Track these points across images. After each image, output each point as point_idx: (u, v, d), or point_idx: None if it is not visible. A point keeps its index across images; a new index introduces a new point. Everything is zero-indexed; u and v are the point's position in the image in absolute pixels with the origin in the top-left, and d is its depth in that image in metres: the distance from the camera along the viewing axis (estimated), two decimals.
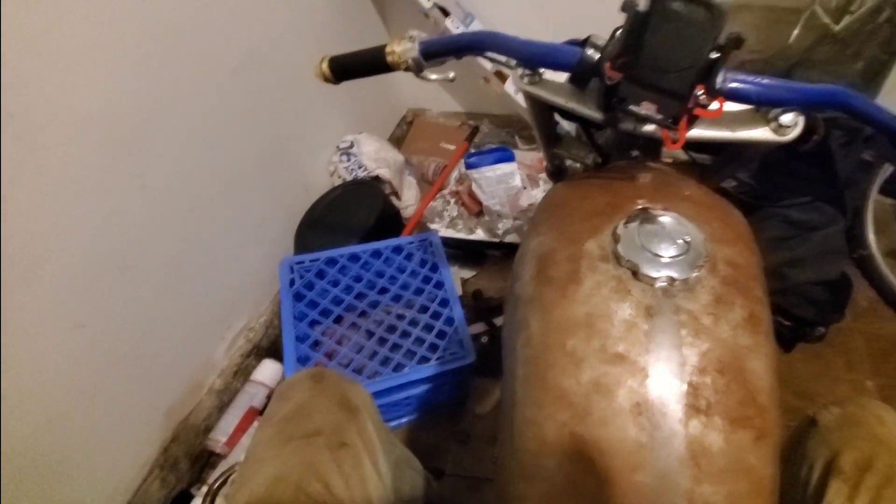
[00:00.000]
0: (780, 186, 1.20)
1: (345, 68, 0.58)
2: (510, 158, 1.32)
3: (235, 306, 1.09)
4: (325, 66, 0.57)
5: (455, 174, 1.45)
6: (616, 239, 0.40)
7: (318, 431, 0.45)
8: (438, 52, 0.53)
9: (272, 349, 1.15)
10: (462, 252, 1.31)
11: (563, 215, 0.46)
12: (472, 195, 1.33)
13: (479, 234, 1.30)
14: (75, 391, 0.76)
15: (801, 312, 1.07)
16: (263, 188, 1.12)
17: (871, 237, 1.16)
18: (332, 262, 1.08)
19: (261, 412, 1.04)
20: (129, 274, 0.82)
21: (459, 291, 1.21)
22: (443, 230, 1.30)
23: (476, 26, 1.42)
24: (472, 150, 1.48)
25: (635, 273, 0.38)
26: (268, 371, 1.08)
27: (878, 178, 1.17)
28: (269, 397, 1.06)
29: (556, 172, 0.71)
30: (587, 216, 0.43)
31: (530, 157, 1.43)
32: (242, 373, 1.09)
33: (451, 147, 1.56)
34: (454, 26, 1.33)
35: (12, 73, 0.62)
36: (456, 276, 1.26)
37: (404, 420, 1.04)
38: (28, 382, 0.69)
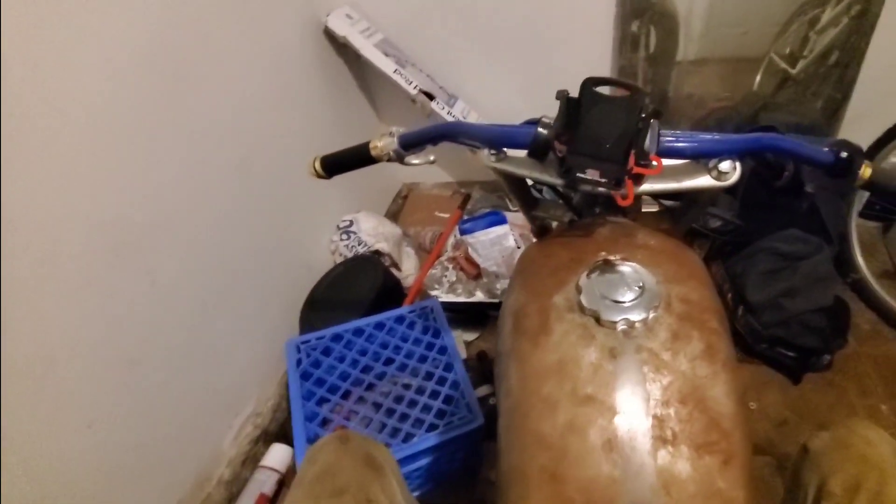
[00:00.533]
0: (765, 221, 1.25)
1: (335, 165, 0.65)
2: (502, 221, 1.39)
3: (242, 393, 1.09)
4: (317, 164, 0.64)
5: (451, 241, 1.50)
6: (579, 290, 0.44)
7: (345, 489, 0.47)
8: (415, 142, 0.60)
9: (280, 433, 1.14)
10: (464, 315, 1.33)
11: (533, 273, 0.50)
12: (469, 259, 1.38)
13: (479, 296, 1.33)
14: (83, 496, 0.75)
15: (804, 342, 1.08)
16: (267, 274, 1.16)
17: (860, 260, 1.18)
18: (337, 338, 1.10)
19: (271, 499, 1.02)
20: (137, 370, 0.83)
21: (464, 354, 1.22)
22: (443, 296, 1.34)
23: (460, 106, 1.53)
24: (466, 217, 1.55)
25: (598, 319, 0.42)
26: (277, 455, 1.07)
27: (855, 203, 1.22)
28: (279, 483, 1.05)
29: (541, 231, 0.76)
30: (553, 272, 0.47)
31: (522, 217, 1.49)
32: (251, 460, 1.07)
33: (446, 215, 1.64)
34: (440, 108, 1.43)
35: (25, 183, 0.65)
36: (459, 340, 1.28)
37: (416, 494, 1.02)
38: (45, 489, 0.69)
